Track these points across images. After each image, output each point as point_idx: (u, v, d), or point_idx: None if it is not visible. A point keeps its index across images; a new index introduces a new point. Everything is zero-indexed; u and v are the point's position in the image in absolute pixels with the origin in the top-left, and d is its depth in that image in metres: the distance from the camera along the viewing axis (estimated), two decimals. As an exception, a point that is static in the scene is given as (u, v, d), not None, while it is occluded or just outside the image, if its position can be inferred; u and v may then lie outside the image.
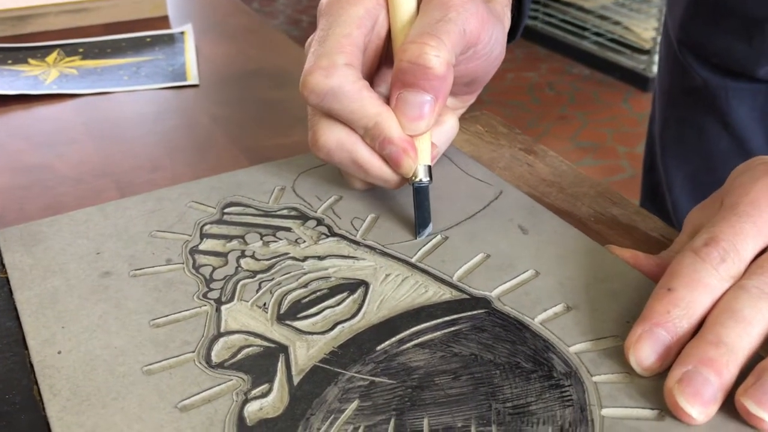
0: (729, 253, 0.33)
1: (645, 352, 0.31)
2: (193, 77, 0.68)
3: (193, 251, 0.39)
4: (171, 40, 0.76)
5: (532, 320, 0.34)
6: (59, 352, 0.32)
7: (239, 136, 0.60)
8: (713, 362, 0.29)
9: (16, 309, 0.36)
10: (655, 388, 0.30)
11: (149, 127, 0.61)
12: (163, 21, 0.83)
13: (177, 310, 0.35)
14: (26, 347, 0.34)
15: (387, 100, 0.39)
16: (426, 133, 0.39)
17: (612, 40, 2.69)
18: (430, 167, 0.39)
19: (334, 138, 0.38)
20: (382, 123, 0.37)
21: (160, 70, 0.70)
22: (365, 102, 0.37)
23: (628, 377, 0.31)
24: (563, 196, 0.49)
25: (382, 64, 0.42)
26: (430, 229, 0.40)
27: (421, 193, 0.39)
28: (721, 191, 0.40)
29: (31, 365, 0.33)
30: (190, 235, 0.40)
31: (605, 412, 0.30)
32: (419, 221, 0.40)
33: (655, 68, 2.54)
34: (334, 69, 0.36)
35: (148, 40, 0.76)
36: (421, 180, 0.39)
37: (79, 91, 0.65)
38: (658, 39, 2.49)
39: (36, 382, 0.32)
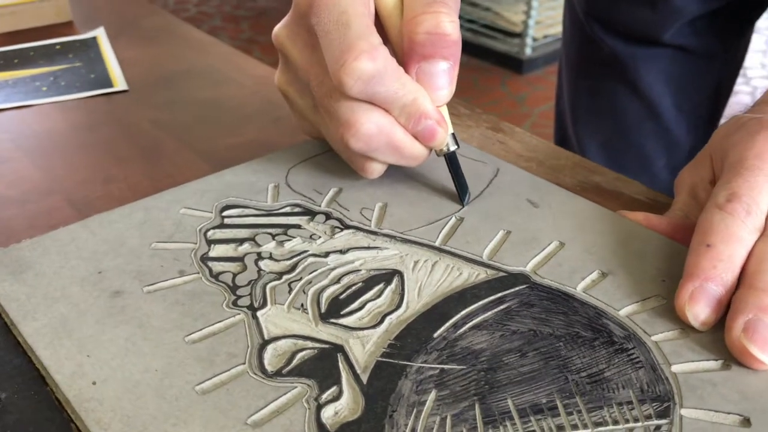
0: (751, 207, 0.34)
1: (701, 307, 0.32)
2: (120, 83, 0.64)
3: (205, 259, 0.36)
4: (84, 46, 0.71)
5: (575, 290, 0.34)
6: (94, 383, 0.29)
7: (189, 139, 0.56)
8: (770, 308, 0.30)
9: (19, 344, 0.32)
10: (713, 340, 0.31)
11: (87, 138, 0.56)
12: (67, 27, 0.77)
13: (210, 323, 0.32)
14: (46, 383, 0.30)
15: None
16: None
17: (484, 26, 2.77)
18: (454, 134, 0.40)
19: (375, 124, 0.37)
20: (420, 98, 0.37)
21: (80, 77, 0.65)
22: (404, 80, 0.36)
23: (684, 333, 0.32)
24: (544, 170, 0.49)
25: None
26: (470, 194, 0.40)
27: (455, 162, 0.40)
28: (709, 150, 0.41)
29: (59, 401, 0.29)
30: (195, 243, 0.37)
31: (674, 368, 0.30)
32: (461, 189, 0.40)
33: (528, 51, 2.64)
34: (377, 51, 0.35)
35: (59, 47, 0.71)
36: (449, 148, 0.39)
37: (-5, 106, 0.60)
38: (529, 22, 2.59)
39: (72, 419, 0.28)
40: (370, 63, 0.35)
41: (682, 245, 0.37)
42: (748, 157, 0.36)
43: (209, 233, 0.38)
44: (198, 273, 0.35)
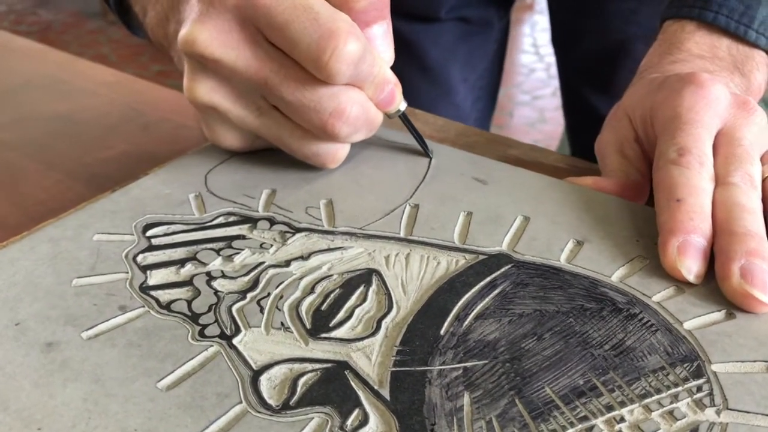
0: (702, 158, 0.34)
1: (691, 260, 0.31)
2: (-57, 104, 0.54)
3: (146, 289, 0.30)
4: None
5: (560, 262, 0.32)
6: (60, 462, 0.23)
7: (50, 158, 0.49)
8: (758, 251, 0.30)
9: (-69, 431, 0.25)
10: (709, 291, 0.31)
11: None
12: None
13: (181, 362, 0.27)
14: (-14, 474, 0.24)
15: None
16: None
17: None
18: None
19: (358, 104, 0.35)
20: (383, 66, 0.36)
21: None
22: (373, 51, 0.34)
23: (680, 289, 0.31)
24: (460, 147, 0.48)
25: None
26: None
27: (408, 119, 0.39)
28: (625, 110, 0.42)
29: (13, 494, 0.23)
30: (127, 272, 0.31)
31: (687, 326, 0.29)
32: (422, 142, 0.40)
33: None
34: (356, 28, 0.33)
35: None
36: (401, 108, 0.38)
37: None
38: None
39: None
40: (358, 43, 0.32)
41: (638, 204, 0.37)
42: (682, 112, 0.36)
43: (139, 258, 0.32)
44: (143, 306, 0.29)
